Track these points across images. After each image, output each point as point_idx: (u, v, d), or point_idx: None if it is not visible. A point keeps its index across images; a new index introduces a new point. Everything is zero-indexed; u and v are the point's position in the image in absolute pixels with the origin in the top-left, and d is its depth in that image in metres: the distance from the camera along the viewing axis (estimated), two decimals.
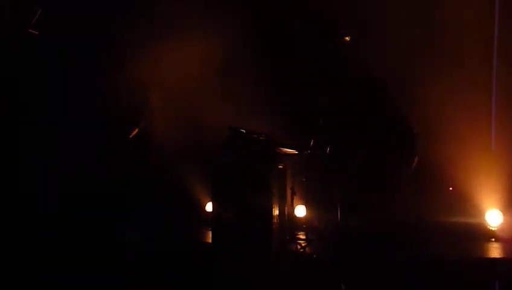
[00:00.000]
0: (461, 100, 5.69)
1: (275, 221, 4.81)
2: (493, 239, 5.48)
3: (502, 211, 5.58)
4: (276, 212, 4.84)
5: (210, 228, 5.01)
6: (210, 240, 4.95)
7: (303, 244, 5.14)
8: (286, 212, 5.24)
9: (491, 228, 5.56)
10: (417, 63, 5.79)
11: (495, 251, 5.13)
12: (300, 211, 6.00)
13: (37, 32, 5.30)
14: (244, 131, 4.81)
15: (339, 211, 5.39)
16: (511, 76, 5.69)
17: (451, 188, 5.88)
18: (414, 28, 5.68)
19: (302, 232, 5.52)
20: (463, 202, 5.78)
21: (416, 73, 5.75)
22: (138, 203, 5.54)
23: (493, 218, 5.58)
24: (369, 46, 5.58)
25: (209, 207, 5.99)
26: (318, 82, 5.76)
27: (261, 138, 4.77)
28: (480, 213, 5.65)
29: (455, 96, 5.70)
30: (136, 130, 5.47)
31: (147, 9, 5.73)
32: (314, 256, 4.86)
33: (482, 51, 5.78)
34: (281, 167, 5.00)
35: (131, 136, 5.48)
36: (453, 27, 5.68)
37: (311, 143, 5.31)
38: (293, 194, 5.39)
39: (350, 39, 5.00)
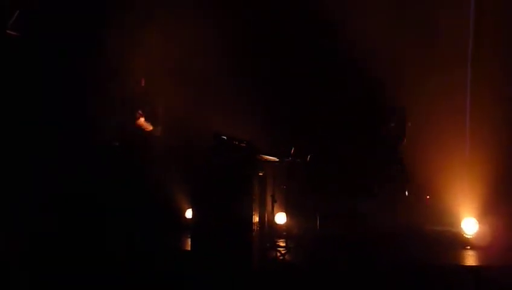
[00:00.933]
0: (437, 112, 5.83)
1: (255, 228, 4.81)
2: (468, 247, 5.58)
3: (477, 219, 5.69)
4: (256, 219, 4.85)
5: (189, 235, 4.99)
6: (189, 247, 4.92)
7: (283, 252, 5.16)
8: (266, 220, 5.25)
9: (466, 236, 5.66)
10: (394, 74, 5.91)
11: (470, 258, 5.22)
12: (280, 218, 6.02)
13: (15, 34, 5.23)
14: (225, 137, 4.80)
15: (318, 218, 5.43)
16: (485, 90, 5.83)
17: (428, 197, 5.97)
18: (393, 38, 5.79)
19: (282, 240, 5.53)
20: (439, 210, 5.88)
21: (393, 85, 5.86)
22: (117, 207, 5.48)
23: (469, 226, 5.68)
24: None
25: (189, 213, 5.97)
26: (301, 92, 5.85)
27: (242, 144, 4.78)
28: (456, 221, 5.76)
29: (431, 108, 5.83)
30: (121, 136, 5.41)
31: (135, 14, 5.72)
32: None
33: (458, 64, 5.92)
34: (261, 174, 5.02)
35: (116, 141, 5.42)
36: (429, 40, 5.81)
37: (292, 151, 5.35)
38: (273, 201, 5.41)
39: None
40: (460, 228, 5.71)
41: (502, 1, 5.80)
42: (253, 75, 6.08)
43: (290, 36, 6.12)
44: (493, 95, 5.67)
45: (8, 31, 5.19)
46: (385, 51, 5.76)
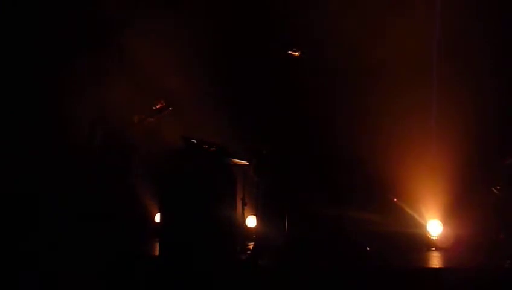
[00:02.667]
0: (403, 113, 5.93)
1: (225, 232, 4.78)
2: (433, 248, 5.71)
3: (441, 221, 5.83)
4: (226, 222, 4.82)
5: (158, 240, 4.92)
6: (157, 252, 4.86)
7: (252, 255, 5.15)
8: (236, 223, 5.23)
9: (431, 238, 5.79)
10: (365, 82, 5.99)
11: (436, 259, 5.34)
12: (250, 221, 6.02)
13: None
14: (195, 141, 4.76)
15: (286, 221, 5.45)
16: (450, 92, 5.97)
17: (394, 199, 6.08)
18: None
19: (252, 243, 5.53)
20: (405, 212, 6.00)
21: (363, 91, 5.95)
22: (80, 211, 5.36)
23: (434, 228, 5.82)
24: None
25: (157, 218, 5.89)
26: (269, 94, 5.84)
27: (211, 148, 4.75)
28: (422, 223, 5.88)
29: (398, 109, 5.93)
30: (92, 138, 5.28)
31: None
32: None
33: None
34: (231, 177, 4.99)
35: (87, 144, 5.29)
36: (398, 52, 5.89)
37: (262, 154, 5.35)
38: (243, 204, 5.41)
39: (301, 54, 5.09)
40: (426, 229, 5.84)
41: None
42: (223, 77, 6.04)
43: (259, 36, 6.11)
44: (459, 94, 5.78)
45: None
46: (350, 50, 5.82)
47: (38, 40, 5.55)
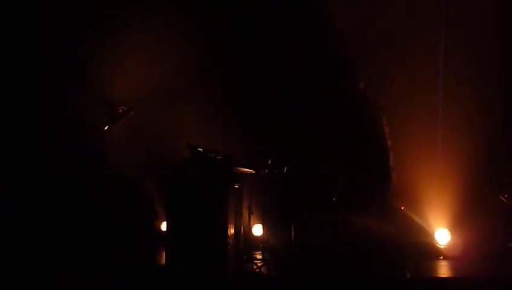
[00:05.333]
0: (411, 124, 5.91)
1: (231, 241, 4.77)
2: (442, 257, 5.67)
3: (449, 230, 5.79)
4: (232, 231, 4.81)
5: (164, 248, 4.92)
6: (164, 260, 4.85)
7: (259, 264, 5.13)
8: (242, 232, 5.22)
9: (439, 247, 5.75)
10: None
11: (444, 269, 5.29)
12: (257, 230, 6.00)
13: None
14: (201, 150, 4.77)
15: (292, 230, 5.43)
16: (456, 105, 5.94)
17: (402, 208, 6.05)
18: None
19: (258, 252, 5.51)
20: (413, 221, 5.96)
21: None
22: (89, 220, 5.37)
23: (441, 237, 5.78)
24: None
25: (164, 226, 5.89)
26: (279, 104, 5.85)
27: (218, 157, 4.75)
28: (430, 232, 5.84)
29: (406, 120, 5.91)
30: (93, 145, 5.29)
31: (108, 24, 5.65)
32: None
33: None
34: (237, 186, 4.99)
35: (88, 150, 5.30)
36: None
37: (269, 163, 5.34)
38: (250, 213, 5.39)
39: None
40: (434, 238, 5.80)
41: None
42: (230, 87, 6.06)
43: (266, 48, 6.13)
44: (466, 103, 5.75)
45: None
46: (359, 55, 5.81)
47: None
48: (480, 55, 5.78)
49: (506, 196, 5.20)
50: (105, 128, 4.90)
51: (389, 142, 5.70)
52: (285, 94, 6.07)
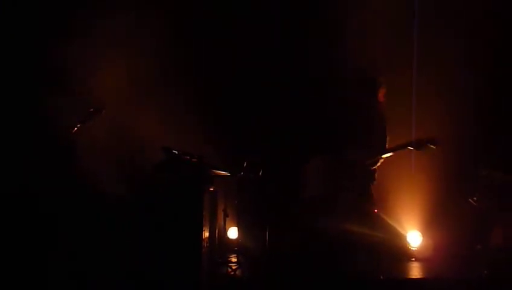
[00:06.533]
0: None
1: (205, 244, 4.74)
2: (413, 259, 5.77)
3: (421, 232, 5.90)
4: (206, 235, 4.78)
5: (137, 251, 4.84)
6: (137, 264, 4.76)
7: (234, 267, 5.12)
8: (217, 235, 5.20)
9: (411, 248, 5.85)
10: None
11: (416, 270, 5.39)
12: (232, 233, 5.98)
13: None
14: (176, 152, 4.72)
15: (267, 232, 5.43)
16: (427, 103, 6.05)
17: (375, 210, 6.11)
18: None
19: (233, 255, 5.49)
20: (385, 223, 6.04)
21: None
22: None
23: (413, 239, 5.88)
24: None
25: (137, 229, 5.79)
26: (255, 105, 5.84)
27: (193, 159, 4.72)
28: (402, 234, 5.94)
29: None
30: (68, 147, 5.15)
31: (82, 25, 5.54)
32: None
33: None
34: (212, 189, 4.97)
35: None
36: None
37: (244, 165, 5.34)
38: (225, 216, 5.38)
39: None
40: (406, 240, 5.90)
41: None
42: (205, 87, 6.03)
43: (241, 46, 6.13)
44: (437, 108, 5.87)
45: None
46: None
47: None
48: (451, 58, 5.91)
49: (474, 198, 5.32)
50: (76, 128, 4.80)
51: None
52: (261, 94, 6.08)
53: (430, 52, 6.05)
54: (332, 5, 5.92)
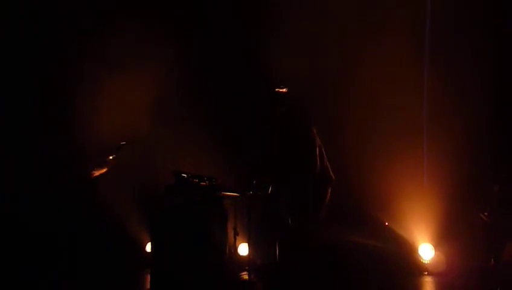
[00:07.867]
0: (396, 140, 5.95)
1: (216, 264, 4.80)
2: (426, 273, 5.74)
3: (433, 245, 5.86)
4: (216, 255, 4.84)
5: (149, 273, 4.93)
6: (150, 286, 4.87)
7: (246, 284, 5.16)
8: (227, 254, 5.24)
9: (423, 262, 5.81)
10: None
11: (428, 285, 5.36)
12: (243, 251, 6.02)
13: None
14: (186, 175, 4.78)
15: (277, 249, 5.45)
16: (441, 116, 5.99)
17: (386, 223, 6.10)
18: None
19: (245, 273, 5.53)
20: (397, 236, 6.02)
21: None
22: (75, 243, 5.36)
23: (425, 252, 5.84)
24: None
25: (148, 248, 5.89)
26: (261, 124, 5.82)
27: (202, 183, 4.77)
28: (413, 247, 5.91)
29: (391, 136, 5.95)
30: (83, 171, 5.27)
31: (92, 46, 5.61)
32: None
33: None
34: (222, 209, 5.01)
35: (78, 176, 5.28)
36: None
37: (253, 184, 5.35)
38: (235, 234, 5.41)
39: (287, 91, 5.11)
40: (417, 253, 5.86)
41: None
42: (214, 109, 6.06)
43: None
44: (451, 114, 5.80)
45: None
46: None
47: None
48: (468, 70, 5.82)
49: (486, 214, 5.27)
50: (95, 173, 4.96)
51: None
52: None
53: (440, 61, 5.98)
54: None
